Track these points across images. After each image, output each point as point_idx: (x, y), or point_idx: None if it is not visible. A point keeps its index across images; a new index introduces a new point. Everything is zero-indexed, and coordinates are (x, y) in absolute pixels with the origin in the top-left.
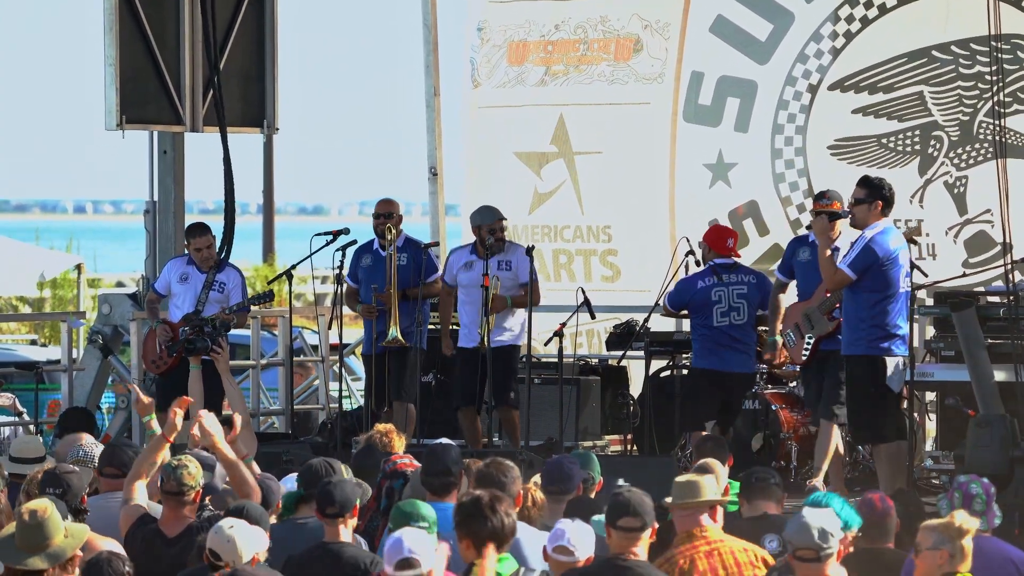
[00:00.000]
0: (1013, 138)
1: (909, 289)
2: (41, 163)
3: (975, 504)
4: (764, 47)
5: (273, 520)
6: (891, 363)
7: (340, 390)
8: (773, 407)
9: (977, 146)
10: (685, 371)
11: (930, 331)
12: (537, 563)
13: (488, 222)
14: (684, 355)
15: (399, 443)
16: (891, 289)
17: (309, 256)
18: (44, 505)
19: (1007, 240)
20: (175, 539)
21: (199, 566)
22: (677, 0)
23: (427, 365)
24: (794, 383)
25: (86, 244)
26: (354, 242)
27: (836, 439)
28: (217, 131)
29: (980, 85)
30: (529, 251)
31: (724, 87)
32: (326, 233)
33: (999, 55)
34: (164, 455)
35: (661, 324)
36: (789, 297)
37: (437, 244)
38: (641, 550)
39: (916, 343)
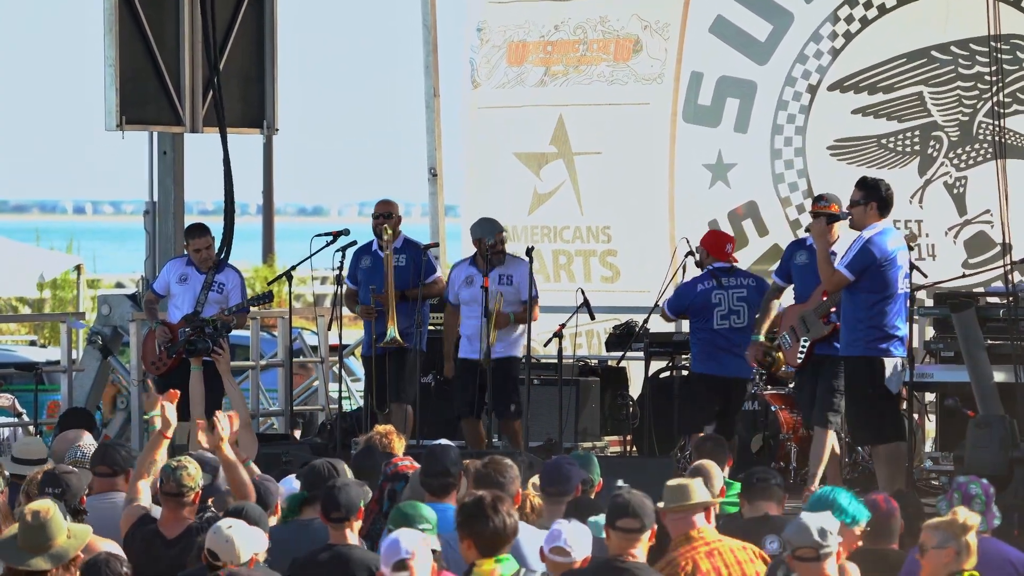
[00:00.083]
0: (1012, 138)
1: (908, 290)
2: (41, 163)
3: (974, 505)
4: (764, 47)
5: (274, 521)
6: (889, 364)
7: (340, 391)
8: (772, 408)
9: (977, 146)
10: (685, 372)
11: (930, 332)
12: (537, 564)
13: (488, 235)
14: (683, 356)
15: (399, 444)
16: (889, 290)
17: (309, 257)
18: (47, 506)
19: (1007, 241)
20: (174, 540)
21: (198, 567)
22: (677, 0)
23: (426, 366)
24: (793, 384)
25: (86, 245)
26: (354, 243)
27: (831, 444)
28: (217, 132)
29: (980, 85)
30: (529, 252)
31: (723, 87)
32: (326, 234)
33: (998, 55)
34: (163, 452)
35: (660, 325)
36: (785, 302)
37: (437, 245)
38: (640, 552)
39: (916, 344)
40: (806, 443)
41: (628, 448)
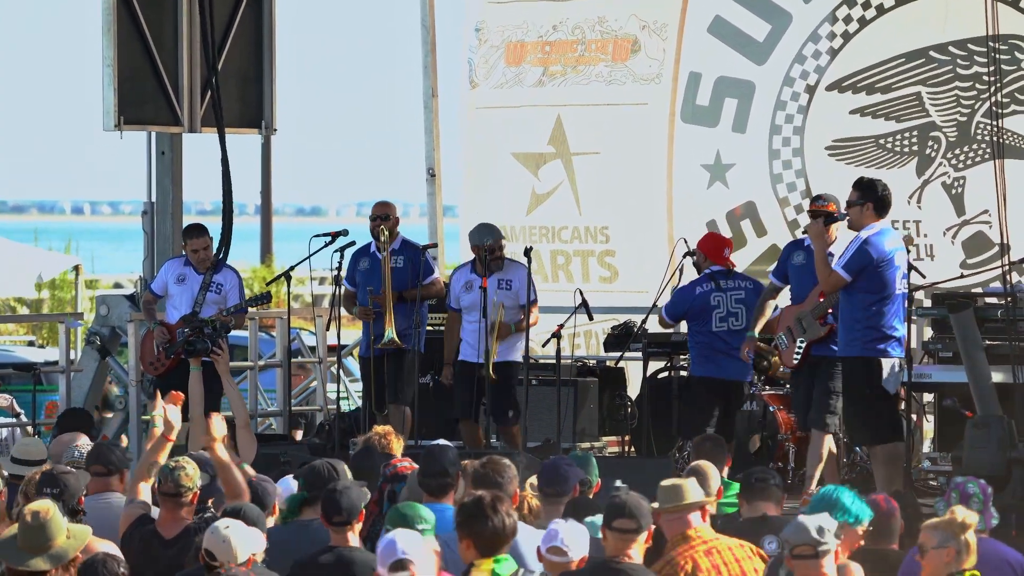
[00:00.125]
0: (1011, 139)
1: (906, 290)
2: (39, 164)
3: (972, 504)
4: (762, 48)
5: (272, 522)
6: (887, 364)
7: (338, 391)
8: (771, 408)
9: (975, 147)
10: (683, 372)
11: (928, 332)
12: (536, 564)
13: (487, 242)
14: (682, 356)
15: (397, 445)
16: (887, 290)
17: (308, 257)
18: (46, 506)
19: (1005, 241)
20: (172, 540)
21: (196, 567)
22: (675, 1)
23: (425, 367)
24: (789, 385)
25: (84, 245)
26: (352, 243)
27: (828, 447)
28: (215, 132)
29: (978, 86)
30: (527, 252)
31: (722, 88)
32: (325, 234)
33: (997, 56)
34: (165, 455)
35: (659, 326)
36: (782, 303)
37: (435, 245)
38: (636, 553)
39: (914, 344)
40: (804, 443)
41: (626, 448)
